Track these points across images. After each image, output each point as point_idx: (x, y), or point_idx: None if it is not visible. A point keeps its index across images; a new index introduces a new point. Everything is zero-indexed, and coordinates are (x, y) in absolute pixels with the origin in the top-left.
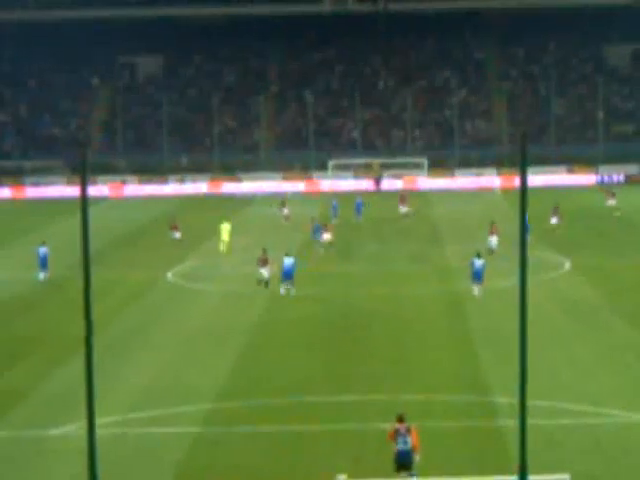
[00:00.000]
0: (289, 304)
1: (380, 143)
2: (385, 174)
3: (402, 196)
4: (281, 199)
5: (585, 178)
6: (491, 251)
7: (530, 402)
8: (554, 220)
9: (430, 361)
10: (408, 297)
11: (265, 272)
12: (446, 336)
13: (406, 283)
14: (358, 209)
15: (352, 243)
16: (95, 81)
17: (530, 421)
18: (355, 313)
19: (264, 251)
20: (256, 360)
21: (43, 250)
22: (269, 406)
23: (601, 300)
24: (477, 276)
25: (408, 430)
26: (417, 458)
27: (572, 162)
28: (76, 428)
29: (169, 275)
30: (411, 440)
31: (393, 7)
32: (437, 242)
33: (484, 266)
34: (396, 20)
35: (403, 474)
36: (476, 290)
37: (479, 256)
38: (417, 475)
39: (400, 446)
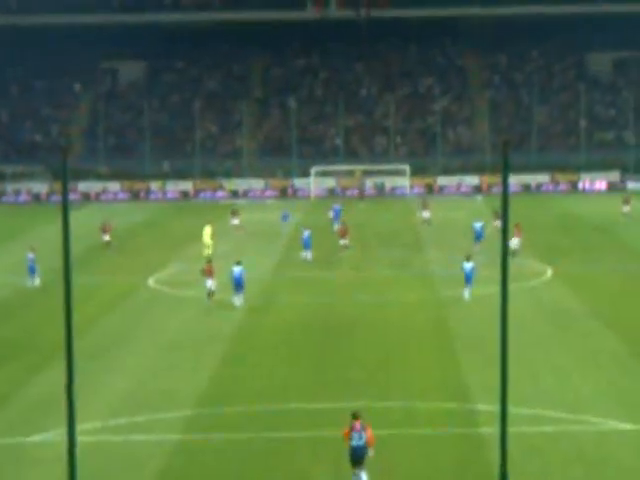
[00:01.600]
0: (270, 310)
1: (363, 150)
2: (368, 181)
3: (424, 202)
4: (231, 209)
5: (567, 185)
6: (512, 253)
7: (511, 409)
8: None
9: (412, 368)
10: (390, 303)
11: (210, 283)
12: (428, 343)
13: (388, 289)
14: (336, 216)
15: (334, 250)
16: (77, 87)
17: (511, 428)
18: (337, 319)
19: (209, 261)
20: (236, 366)
21: (30, 256)
22: (249, 413)
23: (582, 307)
24: (466, 279)
25: (363, 427)
26: (371, 453)
27: (554, 169)
28: (55, 435)
29: (150, 281)
30: (366, 436)
31: (376, 14)
32: (419, 248)
33: (473, 269)
34: (379, 27)
35: (356, 471)
36: (466, 293)
37: (468, 259)
38: (366, 472)
39: (355, 442)
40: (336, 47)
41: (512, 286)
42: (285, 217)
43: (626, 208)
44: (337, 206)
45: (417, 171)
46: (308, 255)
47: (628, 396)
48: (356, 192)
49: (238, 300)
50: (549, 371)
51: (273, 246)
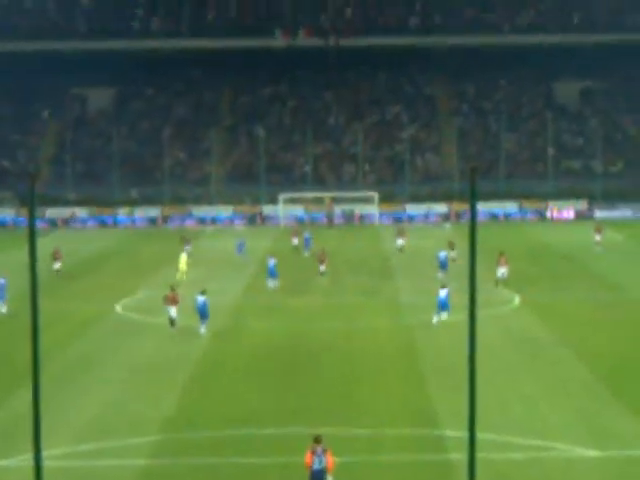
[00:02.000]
0: (238, 336)
1: (331, 178)
2: (337, 208)
3: (400, 230)
4: (181, 236)
5: (535, 213)
6: (497, 282)
7: (479, 436)
8: (400, 242)
9: (380, 394)
10: (358, 330)
11: (172, 311)
12: (396, 370)
13: (357, 316)
14: (307, 244)
15: (302, 277)
16: (45, 113)
17: (479, 455)
18: (304, 346)
19: (172, 289)
20: (204, 392)
21: (1, 282)
22: (216, 438)
23: (550, 335)
24: (441, 305)
25: (324, 451)
26: (330, 479)
27: (522, 197)
28: (21, 460)
29: (118, 307)
30: (325, 461)
31: (344, 42)
32: (388, 276)
33: (448, 295)
34: (347, 55)
35: None
36: (435, 319)
37: (443, 287)
38: None
39: (315, 466)
40: (305, 75)
41: (480, 313)
42: (240, 247)
43: (598, 237)
44: (307, 234)
45: (385, 198)
46: (274, 284)
47: (596, 423)
48: (325, 219)
49: (202, 328)
50: (517, 398)
51: (241, 272)
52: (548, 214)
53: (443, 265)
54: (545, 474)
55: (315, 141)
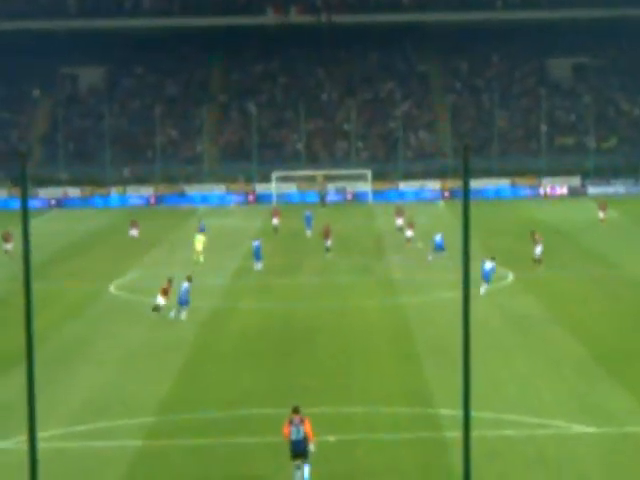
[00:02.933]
0: (231, 317)
1: (324, 155)
2: (330, 185)
3: (399, 209)
4: (130, 220)
5: (528, 190)
6: (535, 260)
7: (474, 413)
8: (399, 222)
9: (374, 373)
10: (352, 309)
11: (162, 300)
12: (390, 348)
13: (350, 295)
14: (308, 223)
15: (297, 256)
16: (36, 93)
17: (474, 432)
18: (298, 326)
19: (169, 281)
20: (198, 373)
21: None
22: (211, 419)
23: (543, 312)
24: (484, 276)
25: (301, 421)
26: (312, 448)
27: (515, 174)
28: (16, 442)
29: (111, 287)
30: (304, 430)
31: (336, 19)
32: (381, 254)
33: (493, 269)
34: (339, 32)
35: (297, 462)
36: (482, 289)
37: (493, 259)
38: (310, 464)
39: (293, 436)
40: (297, 52)
41: (473, 291)
42: (202, 228)
43: (602, 214)
44: (308, 212)
45: (379, 176)
46: (258, 266)
47: (590, 401)
48: (318, 198)
49: (183, 314)
50: (511, 376)
51: (234, 252)
52: (541, 191)
53: (439, 247)
54: (540, 451)
55: (308, 118)
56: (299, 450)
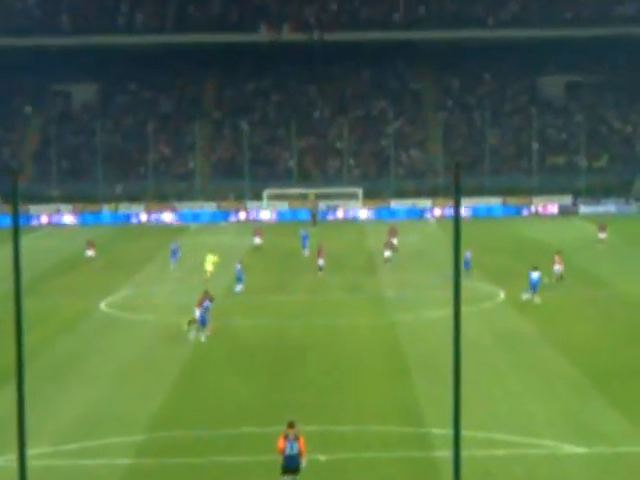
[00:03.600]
0: (223, 334)
1: (316, 173)
2: (322, 204)
3: (392, 229)
4: (88, 240)
5: (519, 209)
6: (558, 277)
7: (464, 433)
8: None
9: (365, 391)
10: (343, 327)
11: (197, 313)
12: (381, 366)
13: (342, 313)
14: (304, 242)
15: (289, 274)
16: (28, 109)
17: (464, 452)
18: (290, 343)
19: (205, 293)
20: (190, 390)
21: None
22: (202, 437)
23: (535, 331)
24: (532, 286)
25: (296, 437)
26: (304, 463)
27: (506, 193)
28: (5, 460)
29: (102, 305)
30: (298, 446)
31: (329, 37)
32: (372, 272)
33: (540, 278)
34: (332, 50)
35: (288, 477)
36: (530, 297)
37: (536, 269)
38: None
39: (287, 451)
40: (289, 69)
41: (464, 309)
42: (174, 253)
43: (602, 235)
44: (304, 231)
45: (370, 194)
46: (238, 288)
47: (581, 420)
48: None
49: (203, 337)
50: (502, 395)
51: (224, 270)
52: (532, 209)
53: (465, 265)
54: (530, 471)
55: (300, 135)
56: (292, 466)
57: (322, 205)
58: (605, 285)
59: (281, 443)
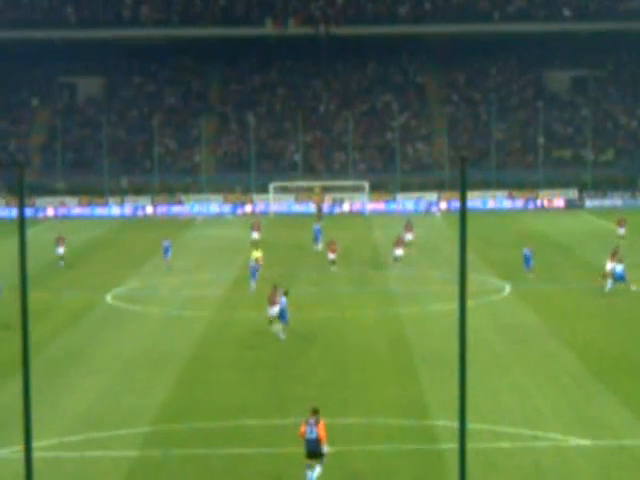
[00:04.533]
0: (229, 327)
1: (321, 166)
2: (327, 197)
3: (409, 223)
4: (57, 236)
5: (525, 202)
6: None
7: (470, 425)
8: (409, 237)
9: (370, 384)
10: (349, 320)
11: (274, 311)
12: (387, 359)
13: (347, 306)
14: (317, 236)
15: (295, 267)
16: (34, 102)
17: (470, 445)
18: (295, 336)
19: (274, 288)
20: (195, 383)
21: None
22: (207, 429)
23: (540, 325)
24: (619, 278)
25: (316, 422)
26: (325, 449)
27: (512, 187)
28: (10, 452)
29: (108, 297)
30: (317, 431)
31: (334, 31)
32: (379, 265)
33: (624, 270)
34: (337, 44)
35: (310, 462)
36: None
37: (620, 262)
38: (322, 466)
39: (307, 435)
40: (295, 63)
41: (470, 302)
42: (166, 251)
43: (622, 230)
44: (317, 225)
45: (376, 187)
46: (252, 285)
47: (586, 413)
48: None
49: (281, 333)
50: (508, 388)
51: (232, 262)
52: (538, 203)
53: (527, 261)
54: (536, 463)
55: (305, 129)
56: (311, 450)
57: (328, 198)
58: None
59: (302, 428)
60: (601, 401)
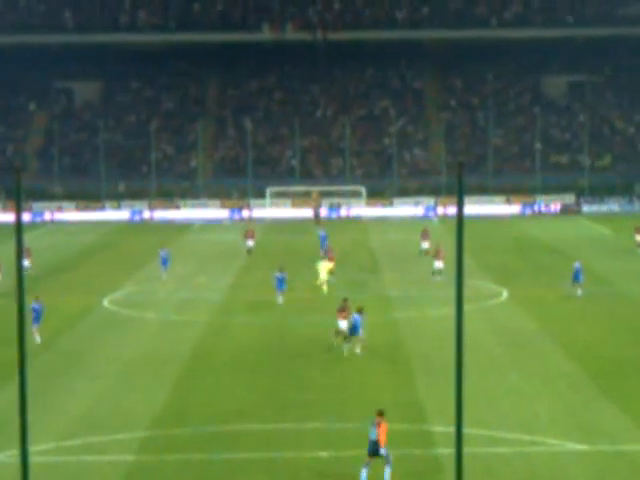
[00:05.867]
0: (226, 331)
1: (319, 171)
2: (324, 202)
3: (425, 232)
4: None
5: (522, 208)
6: None
7: (467, 430)
8: (425, 245)
9: (367, 389)
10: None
11: (343, 324)
12: (384, 364)
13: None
14: (322, 243)
15: (293, 271)
16: (31, 106)
17: (467, 450)
18: (293, 340)
19: (345, 301)
20: (192, 387)
21: None
22: (205, 434)
23: (537, 329)
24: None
25: (378, 424)
26: (382, 452)
27: (510, 192)
28: (7, 456)
29: (105, 302)
30: (376, 432)
31: (332, 36)
32: (376, 270)
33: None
34: (335, 49)
35: (368, 460)
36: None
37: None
38: (390, 466)
39: (370, 436)
40: (292, 69)
41: (467, 307)
42: (165, 261)
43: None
44: (322, 232)
45: (373, 193)
46: (279, 299)
47: (583, 418)
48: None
49: (357, 348)
50: (505, 392)
51: (229, 267)
52: (535, 208)
53: (577, 276)
54: (532, 468)
55: (303, 134)
56: (371, 449)
57: (325, 203)
58: (608, 283)
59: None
60: (598, 406)
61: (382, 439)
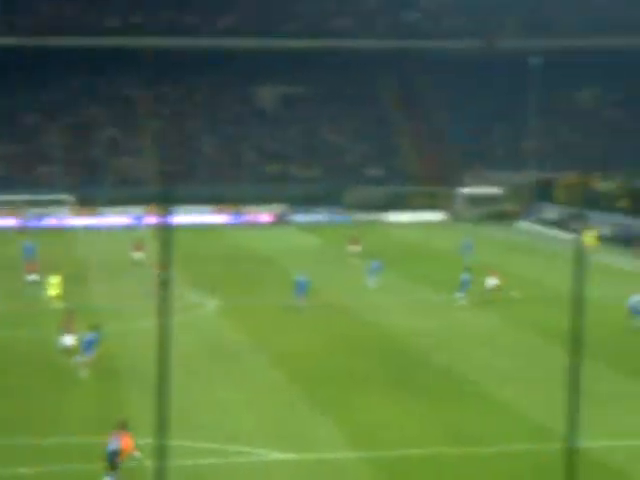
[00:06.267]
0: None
1: (26, 180)
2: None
3: (354, 237)
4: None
5: (233, 217)
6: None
7: (173, 442)
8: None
9: (66, 404)
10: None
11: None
12: (90, 379)
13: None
14: (27, 255)
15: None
16: None
17: (172, 462)
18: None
19: (70, 314)
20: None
21: None
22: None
23: (246, 341)
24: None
25: (119, 436)
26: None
27: (221, 201)
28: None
29: None
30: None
31: (41, 42)
32: (82, 281)
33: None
34: (42, 55)
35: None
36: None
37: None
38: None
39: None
40: None
41: (175, 319)
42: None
43: None
44: (27, 243)
45: (82, 201)
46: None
47: (290, 428)
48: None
49: None
50: (210, 404)
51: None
52: (246, 218)
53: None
54: (238, 478)
55: (8, 141)
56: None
57: (31, 212)
58: (324, 294)
59: None
60: (305, 415)
61: (126, 450)
